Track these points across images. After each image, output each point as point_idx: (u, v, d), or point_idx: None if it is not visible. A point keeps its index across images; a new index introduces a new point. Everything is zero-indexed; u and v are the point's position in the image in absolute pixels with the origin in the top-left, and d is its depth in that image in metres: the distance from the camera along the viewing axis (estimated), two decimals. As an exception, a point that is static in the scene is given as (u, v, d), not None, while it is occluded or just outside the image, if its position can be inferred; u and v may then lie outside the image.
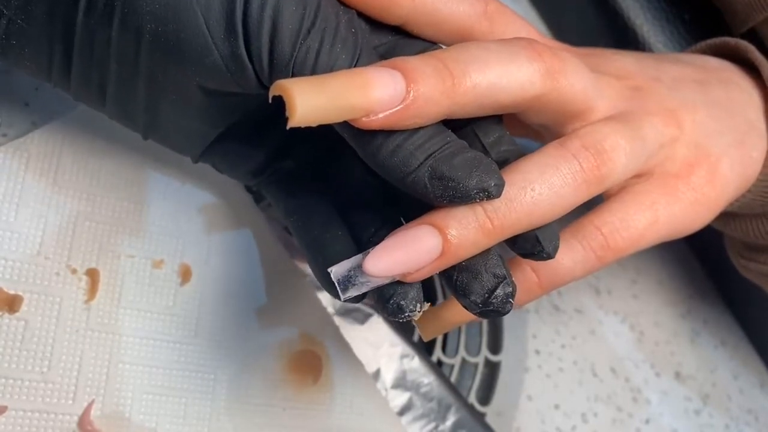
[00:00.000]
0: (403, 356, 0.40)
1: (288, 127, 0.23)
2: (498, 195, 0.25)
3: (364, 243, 0.29)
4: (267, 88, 0.26)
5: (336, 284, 0.26)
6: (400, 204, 0.30)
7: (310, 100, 0.22)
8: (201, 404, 0.35)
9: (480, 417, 0.42)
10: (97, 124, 0.36)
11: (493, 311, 0.26)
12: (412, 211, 0.29)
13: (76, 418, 0.32)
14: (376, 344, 0.39)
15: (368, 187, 0.31)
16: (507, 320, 0.46)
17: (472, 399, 0.44)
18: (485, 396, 0.44)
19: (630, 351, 0.51)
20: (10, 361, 0.32)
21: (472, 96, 0.26)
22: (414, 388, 0.40)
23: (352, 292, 0.26)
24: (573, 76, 0.28)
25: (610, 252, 0.32)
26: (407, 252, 0.25)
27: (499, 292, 0.26)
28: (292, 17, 0.25)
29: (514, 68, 0.26)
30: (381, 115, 0.24)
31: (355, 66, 0.25)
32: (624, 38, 0.48)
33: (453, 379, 0.43)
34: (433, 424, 0.40)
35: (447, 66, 0.25)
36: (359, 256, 0.26)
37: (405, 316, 0.27)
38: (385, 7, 0.28)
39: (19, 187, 0.34)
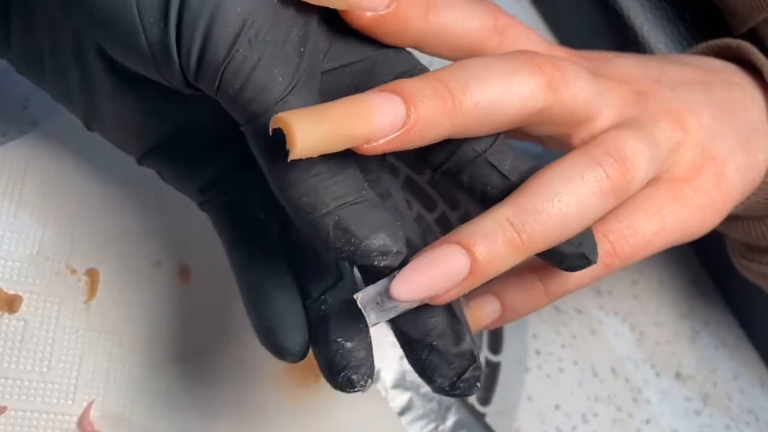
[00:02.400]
0: (403, 356, 0.40)
1: (289, 160, 0.22)
2: (395, 264, 0.24)
3: (315, 299, 0.28)
4: (192, 88, 0.25)
5: (362, 311, 0.25)
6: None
7: (311, 133, 0.22)
8: (200, 404, 0.35)
9: (480, 417, 0.42)
10: (97, 124, 0.36)
11: (459, 394, 0.26)
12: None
13: (75, 419, 0.32)
14: (376, 344, 0.39)
15: None
16: (507, 320, 0.46)
17: (472, 399, 0.44)
18: (485, 396, 0.44)
19: (630, 351, 0.51)
20: (10, 361, 0.32)
21: (474, 115, 0.25)
22: (414, 388, 0.40)
23: (380, 319, 0.25)
24: (575, 87, 0.28)
25: (618, 259, 0.31)
26: (434, 273, 0.24)
27: (468, 375, 0.26)
28: (234, 18, 0.22)
29: (515, 84, 0.26)
30: (382, 141, 0.23)
31: (290, 90, 0.24)
32: (624, 38, 0.48)
33: (453, 379, 0.43)
34: (433, 425, 0.40)
35: (447, 86, 0.25)
36: (385, 280, 0.25)
37: (354, 390, 0.26)
38: (399, 32, 0.27)
39: (18, 187, 0.34)
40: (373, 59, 0.27)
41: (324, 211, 0.23)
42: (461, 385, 0.26)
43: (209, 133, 0.29)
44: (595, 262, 0.28)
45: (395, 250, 0.24)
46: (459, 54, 0.30)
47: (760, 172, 0.36)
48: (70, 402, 0.33)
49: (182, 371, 0.35)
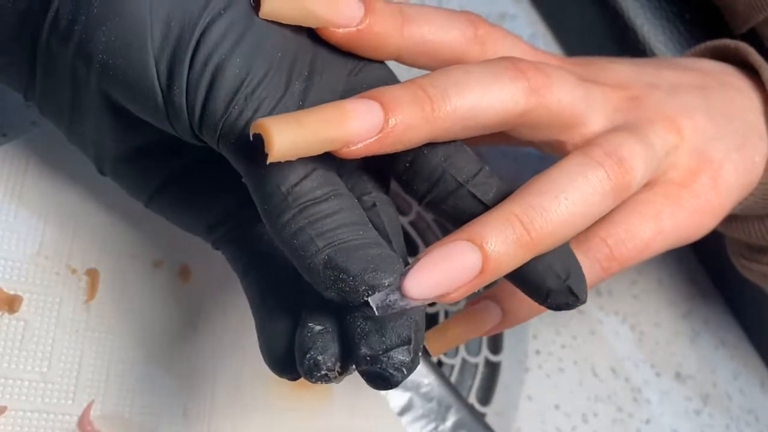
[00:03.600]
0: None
1: (267, 163, 0.23)
2: (391, 286, 0.24)
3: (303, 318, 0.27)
4: (199, 140, 0.26)
5: (375, 310, 0.24)
6: None
7: (288, 136, 0.22)
8: (201, 404, 0.35)
9: (480, 417, 0.42)
10: (97, 124, 0.36)
11: (380, 375, 0.24)
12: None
13: (75, 419, 0.32)
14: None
15: None
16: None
17: (473, 399, 0.44)
18: (485, 396, 0.44)
19: (630, 351, 0.51)
20: (10, 361, 0.32)
21: (453, 119, 0.25)
22: (414, 388, 0.40)
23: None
24: (560, 91, 0.28)
25: (616, 263, 0.32)
26: (446, 270, 0.24)
27: (395, 354, 0.24)
28: (232, 78, 0.24)
29: (495, 88, 0.26)
30: (360, 145, 0.24)
31: None
32: (624, 38, 0.48)
33: (453, 379, 0.43)
34: (433, 425, 0.40)
35: (426, 91, 0.25)
36: (396, 277, 0.24)
37: (320, 374, 0.25)
38: (376, 47, 0.28)
39: (18, 187, 0.34)
40: None
41: (313, 251, 0.24)
42: (384, 359, 0.24)
43: (213, 173, 0.30)
44: (585, 302, 0.27)
45: (387, 283, 0.24)
46: (441, 64, 0.30)
47: (757, 174, 0.36)
48: (70, 402, 0.33)
49: (182, 371, 0.35)
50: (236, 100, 0.24)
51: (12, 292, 0.32)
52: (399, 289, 0.24)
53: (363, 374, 0.25)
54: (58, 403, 0.32)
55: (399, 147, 0.25)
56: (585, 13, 0.51)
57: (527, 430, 0.45)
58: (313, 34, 0.27)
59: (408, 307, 0.24)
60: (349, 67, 0.28)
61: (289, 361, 0.26)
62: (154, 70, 0.25)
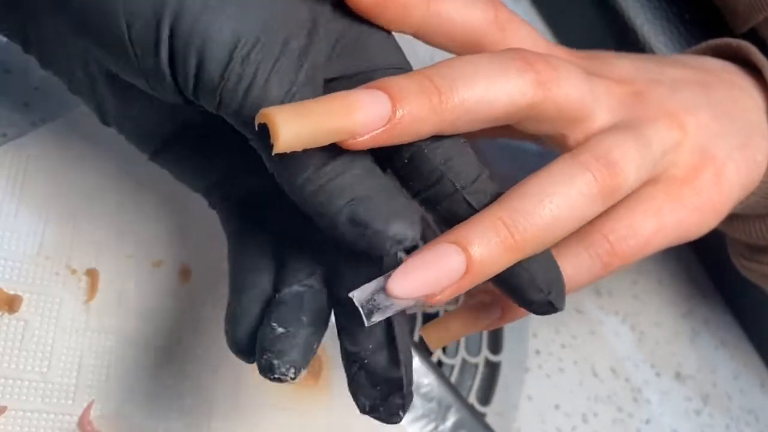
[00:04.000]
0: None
1: (273, 154, 0.22)
2: (412, 243, 0.24)
3: (281, 291, 0.28)
4: (190, 102, 0.25)
5: (360, 309, 0.25)
6: (327, 254, 0.29)
7: (294, 126, 0.22)
8: (200, 404, 0.35)
9: (480, 417, 0.42)
10: (97, 124, 0.36)
11: (377, 417, 0.26)
12: (336, 263, 0.28)
13: (75, 419, 0.32)
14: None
15: (305, 234, 0.29)
16: (507, 320, 0.46)
17: (473, 399, 0.44)
18: (485, 396, 0.44)
19: (630, 351, 0.51)
20: (10, 362, 0.32)
21: (460, 111, 0.25)
22: (414, 388, 0.40)
23: (377, 317, 0.25)
24: (567, 85, 0.28)
25: (617, 259, 0.31)
26: (431, 271, 0.24)
27: (391, 402, 0.26)
28: (224, 42, 0.23)
29: (502, 81, 0.26)
30: (367, 136, 0.24)
31: (289, 101, 0.24)
32: (624, 38, 0.48)
33: (453, 379, 0.43)
34: (433, 425, 0.40)
35: (434, 82, 0.25)
36: (381, 278, 0.25)
37: (274, 377, 0.25)
38: (400, 17, 0.27)
39: (18, 187, 0.34)
40: (381, 73, 0.27)
41: (335, 209, 0.24)
42: (381, 409, 0.26)
43: (216, 134, 0.30)
44: (562, 309, 0.28)
45: (410, 237, 0.24)
46: (458, 45, 0.30)
47: (759, 173, 0.36)
48: (70, 402, 0.33)
49: (182, 371, 0.35)
50: (231, 67, 0.23)
51: (12, 292, 0.32)
52: (384, 289, 0.24)
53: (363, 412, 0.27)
54: (58, 403, 0.32)
55: (406, 138, 0.25)
56: (585, 13, 0.51)
57: (527, 430, 0.45)
58: None
59: (393, 306, 0.25)
60: (348, 25, 0.27)
61: (248, 344, 0.26)
62: (126, 35, 0.24)
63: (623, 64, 0.35)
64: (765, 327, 0.56)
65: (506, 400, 0.45)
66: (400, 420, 0.25)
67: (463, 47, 0.31)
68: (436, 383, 0.40)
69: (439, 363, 0.44)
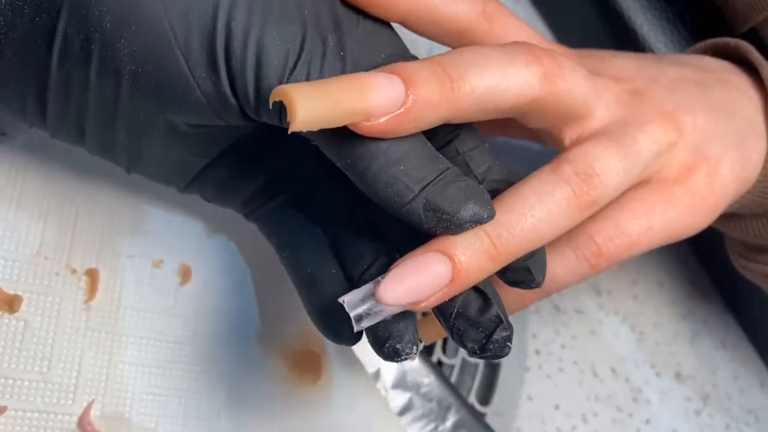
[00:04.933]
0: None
1: (289, 132, 0.22)
2: (488, 220, 0.26)
3: (356, 281, 0.29)
4: (252, 120, 0.26)
5: (350, 315, 0.26)
6: (388, 238, 0.30)
7: (311, 105, 0.22)
8: (200, 404, 0.35)
9: (480, 417, 0.42)
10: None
11: (491, 355, 0.27)
12: (401, 245, 0.29)
13: (75, 419, 0.32)
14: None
15: (358, 222, 0.31)
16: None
17: (472, 399, 0.44)
18: (485, 396, 0.44)
19: (630, 351, 0.51)
20: (10, 362, 0.32)
21: (471, 100, 0.26)
22: (414, 388, 0.40)
23: (366, 323, 0.26)
24: (571, 80, 0.29)
25: (603, 259, 0.32)
26: (419, 279, 0.25)
27: (497, 336, 0.26)
28: (277, 52, 0.24)
29: (512, 72, 0.27)
30: (381, 120, 0.24)
31: None
32: (624, 38, 0.48)
33: (453, 379, 0.43)
34: (433, 425, 0.40)
35: (446, 70, 0.25)
36: (370, 285, 0.26)
37: (401, 359, 0.27)
38: (386, 5, 0.28)
39: (18, 186, 0.34)
40: (397, 59, 0.28)
41: (411, 197, 0.25)
42: (491, 347, 0.26)
43: (246, 151, 0.31)
44: (540, 284, 0.28)
45: (486, 215, 0.25)
46: (446, 35, 0.31)
47: (755, 172, 0.36)
48: (70, 402, 0.33)
49: (182, 371, 0.35)
50: (286, 72, 0.24)
51: (12, 292, 0.32)
52: (374, 295, 0.25)
53: (475, 357, 0.27)
54: (58, 403, 0.32)
55: (418, 124, 0.25)
56: (585, 13, 0.51)
57: (527, 430, 0.45)
58: None
59: (383, 313, 0.26)
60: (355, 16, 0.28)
61: (344, 328, 0.27)
62: (186, 67, 0.24)
63: (621, 62, 0.35)
64: (765, 327, 0.56)
65: (506, 400, 0.45)
66: (509, 351, 0.27)
67: (451, 37, 0.31)
68: (436, 383, 0.40)
69: (439, 363, 0.44)
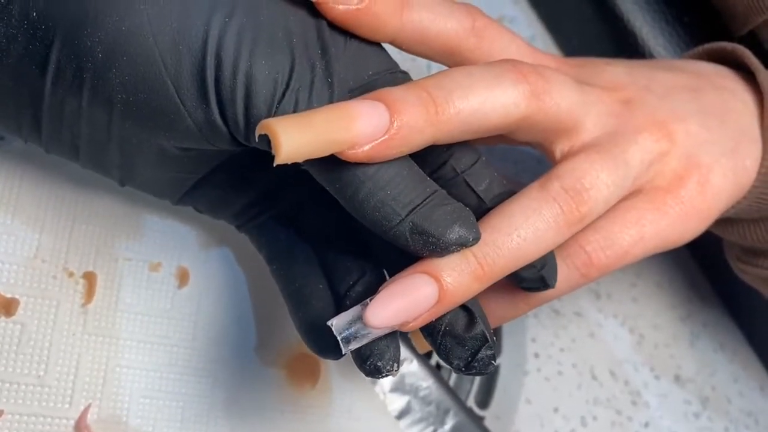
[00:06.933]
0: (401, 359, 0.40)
1: (274, 165, 0.23)
2: (474, 243, 0.26)
3: (342, 297, 0.29)
4: (242, 145, 0.26)
5: (338, 338, 0.26)
6: (376, 255, 0.30)
7: (295, 137, 0.23)
8: (198, 408, 0.35)
9: (479, 420, 0.42)
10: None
11: (475, 372, 0.27)
12: (388, 262, 0.30)
13: (72, 422, 0.32)
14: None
15: (346, 238, 0.31)
16: (506, 324, 0.46)
17: (471, 402, 0.44)
18: (484, 399, 0.44)
19: (629, 354, 0.50)
20: (7, 365, 0.32)
21: (456, 122, 0.26)
22: (412, 391, 0.40)
23: (354, 345, 0.26)
24: (559, 96, 0.29)
25: (594, 269, 0.32)
26: (406, 301, 0.26)
27: (482, 355, 0.27)
28: (265, 83, 0.25)
29: (498, 92, 0.27)
30: (366, 147, 0.24)
31: None
32: (623, 41, 0.48)
33: (452, 382, 0.43)
34: (431, 428, 0.40)
35: (430, 94, 0.25)
36: (358, 308, 0.26)
37: (382, 376, 0.27)
38: (373, 27, 0.28)
39: (15, 189, 0.34)
40: (383, 76, 0.28)
41: (398, 221, 0.25)
42: (476, 364, 0.27)
43: (237, 165, 0.31)
44: (554, 287, 0.29)
45: (472, 238, 0.26)
46: (436, 53, 0.31)
47: (749, 178, 0.35)
48: (67, 406, 0.33)
49: (180, 374, 0.35)
50: (275, 101, 0.25)
51: (9, 296, 0.32)
52: (361, 318, 0.26)
53: (458, 373, 0.28)
54: (54, 407, 0.32)
55: (404, 149, 0.25)
56: (584, 15, 0.51)
57: (526, 433, 0.45)
58: (311, 10, 0.27)
59: (370, 335, 0.26)
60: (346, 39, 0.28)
61: (329, 342, 0.27)
62: (176, 96, 0.25)
63: (613, 70, 0.35)
64: (764, 330, 0.56)
65: (505, 404, 0.45)
66: (494, 368, 0.27)
67: (440, 56, 0.31)
68: (435, 386, 0.40)
69: (438, 366, 0.44)
